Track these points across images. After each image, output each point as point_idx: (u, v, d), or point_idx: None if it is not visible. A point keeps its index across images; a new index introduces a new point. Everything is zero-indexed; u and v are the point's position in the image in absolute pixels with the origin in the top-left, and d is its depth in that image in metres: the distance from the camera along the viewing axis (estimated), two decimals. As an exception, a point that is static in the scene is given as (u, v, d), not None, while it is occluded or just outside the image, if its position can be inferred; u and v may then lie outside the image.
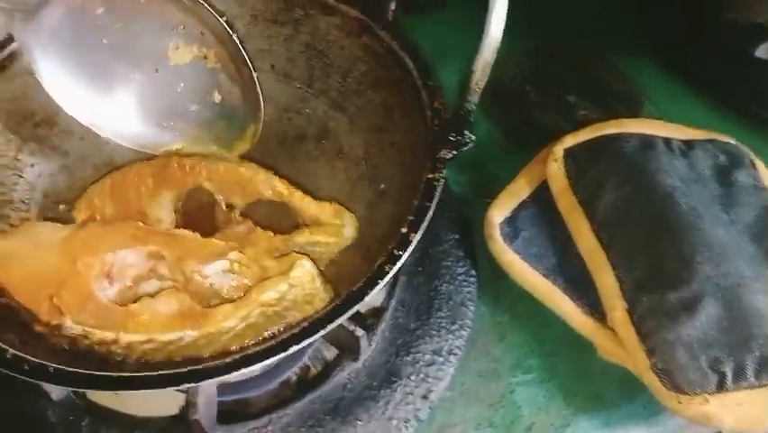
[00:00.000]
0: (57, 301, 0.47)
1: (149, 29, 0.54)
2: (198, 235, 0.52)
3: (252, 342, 0.46)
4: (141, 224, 0.53)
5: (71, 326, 0.47)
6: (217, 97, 0.56)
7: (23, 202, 0.56)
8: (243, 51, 0.53)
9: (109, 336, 0.46)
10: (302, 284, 0.49)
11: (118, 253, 0.50)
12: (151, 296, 0.49)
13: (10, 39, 0.56)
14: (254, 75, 0.54)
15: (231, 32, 0.52)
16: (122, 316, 0.47)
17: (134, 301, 0.49)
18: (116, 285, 0.50)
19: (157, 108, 0.57)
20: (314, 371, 0.56)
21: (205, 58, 0.55)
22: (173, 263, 0.50)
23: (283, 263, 0.50)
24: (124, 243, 0.51)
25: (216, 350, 0.46)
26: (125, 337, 0.46)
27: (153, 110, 0.57)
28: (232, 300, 0.49)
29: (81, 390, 0.41)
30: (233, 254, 0.50)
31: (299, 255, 0.51)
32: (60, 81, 0.53)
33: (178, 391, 0.54)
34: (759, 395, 0.50)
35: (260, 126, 0.56)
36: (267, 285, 0.49)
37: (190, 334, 0.47)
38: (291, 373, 0.56)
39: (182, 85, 0.56)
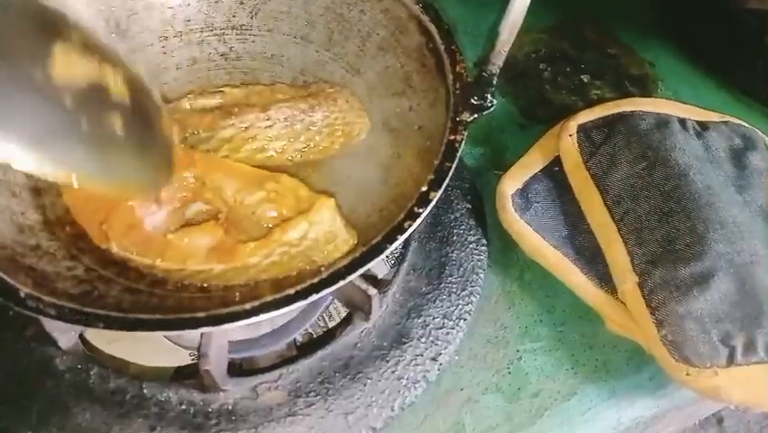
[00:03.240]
0: (105, 227, 0.49)
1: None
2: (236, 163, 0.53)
3: (283, 276, 0.47)
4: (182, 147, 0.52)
5: (116, 251, 0.49)
6: (120, 131, 0.41)
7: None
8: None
9: (147, 262, 0.48)
10: (322, 222, 0.50)
11: None
12: (198, 223, 0.50)
13: None
14: (174, 137, 0.47)
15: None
16: (160, 245, 0.49)
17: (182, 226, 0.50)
18: (165, 208, 0.50)
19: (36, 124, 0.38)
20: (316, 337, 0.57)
21: (108, 89, 0.41)
22: (215, 191, 0.51)
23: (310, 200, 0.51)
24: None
25: (246, 280, 0.48)
26: (162, 265, 0.48)
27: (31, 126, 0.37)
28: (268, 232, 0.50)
29: (97, 328, 0.41)
30: (270, 184, 0.51)
31: (323, 195, 0.52)
32: None
33: (185, 347, 0.54)
34: (768, 371, 0.50)
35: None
36: (288, 225, 0.49)
37: (219, 266, 0.48)
38: (297, 336, 0.56)
39: (70, 103, 0.38)
